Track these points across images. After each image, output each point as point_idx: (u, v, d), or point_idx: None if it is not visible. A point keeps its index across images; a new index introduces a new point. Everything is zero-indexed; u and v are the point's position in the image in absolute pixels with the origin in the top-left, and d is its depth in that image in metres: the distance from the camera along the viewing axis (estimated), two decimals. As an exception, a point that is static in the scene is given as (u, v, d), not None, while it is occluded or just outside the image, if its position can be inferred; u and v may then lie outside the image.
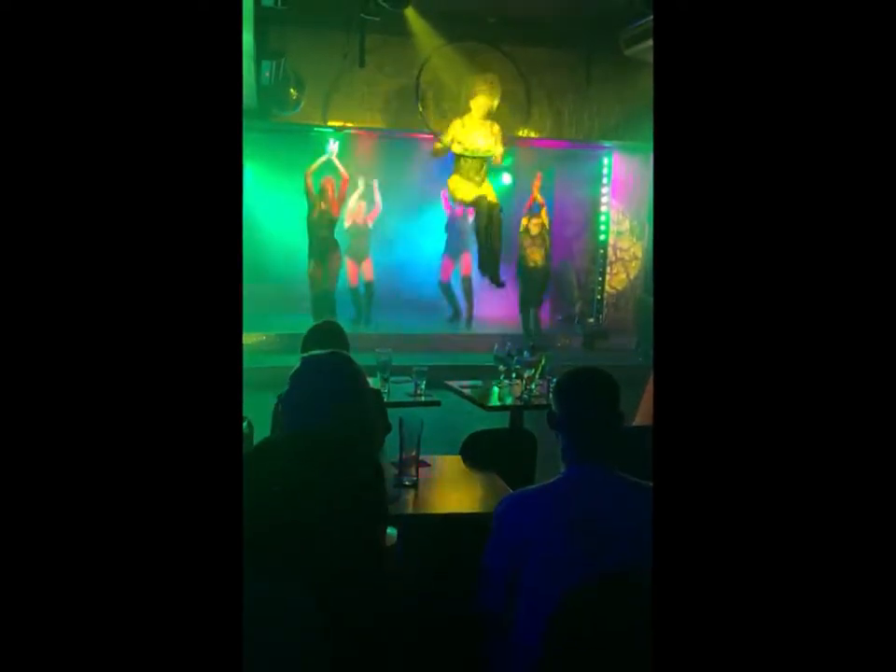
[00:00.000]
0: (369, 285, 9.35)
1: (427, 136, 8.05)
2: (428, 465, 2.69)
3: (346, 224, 8.89)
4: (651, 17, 6.43)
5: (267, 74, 6.86)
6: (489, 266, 7.32)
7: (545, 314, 9.40)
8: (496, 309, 9.67)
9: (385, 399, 3.53)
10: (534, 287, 8.69)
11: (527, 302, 8.78)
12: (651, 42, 6.94)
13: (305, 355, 1.93)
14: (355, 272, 9.20)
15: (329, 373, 1.87)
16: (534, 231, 8.58)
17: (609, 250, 9.71)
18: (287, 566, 1.57)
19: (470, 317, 9.29)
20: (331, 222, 8.26)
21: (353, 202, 8.93)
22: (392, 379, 3.93)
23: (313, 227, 8.16)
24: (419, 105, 6.68)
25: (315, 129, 8.51)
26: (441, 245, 9.27)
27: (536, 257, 8.59)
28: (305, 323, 3.48)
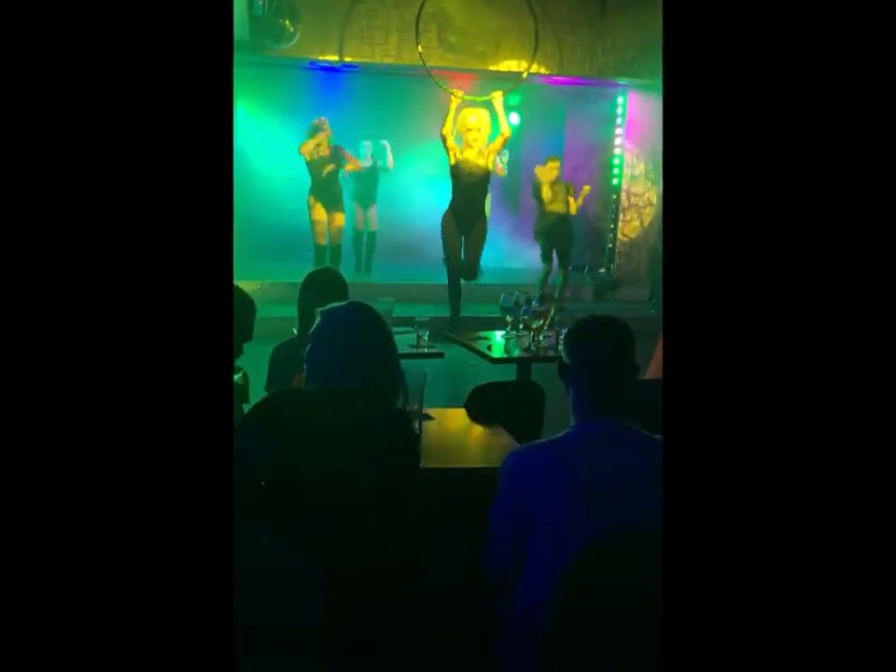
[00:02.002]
0: (372, 233, 9.27)
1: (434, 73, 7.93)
2: (432, 418, 2.70)
3: (353, 168, 8.75)
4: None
5: (260, 3, 6.72)
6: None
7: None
8: (507, 259, 9.62)
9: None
10: (556, 237, 8.44)
11: (549, 254, 8.47)
12: (670, -29, 6.75)
13: (323, 309, 1.93)
14: (361, 217, 9.12)
15: (352, 327, 1.87)
16: (551, 176, 8.30)
17: (623, 195, 9.61)
18: (312, 518, 1.60)
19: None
20: (336, 164, 8.06)
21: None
22: (394, 329, 3.92)
23: (316, 170, 7.98)
24: (418, 45, 6.54)
25: (312, 63, 8.38)
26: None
27: (556, 205, 8.31)
28: (302, 270, 3.46)
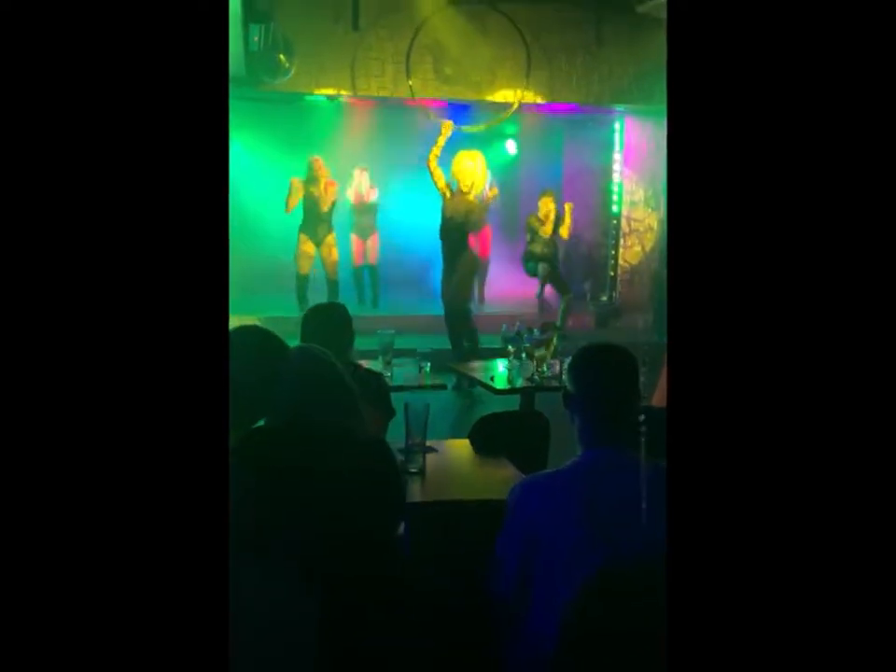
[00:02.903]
0: (373, 267, 9.28)
1: (428, 103, 8.01)
2: (436, 451, 2.70)
3: (352, 200, 8.84)
4: (665, -30, 6.33)
5: (255, 39, 6.79)
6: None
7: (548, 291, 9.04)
8: (507, 288, 9.61)
9: (389, 383, 3.52)
10: (540, 261, 8.41)
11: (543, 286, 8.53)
12: (664, -3, 6.85)
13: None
14: (360, 250, 9.15)
15: (300, 368, 1.93)
16: (541, 211, 8.30)
17: (623, 222, 9.66)
18: (292, 555, 1.60)
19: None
20: (327, 202, 8.08)
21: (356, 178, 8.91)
22: (395, 362, 3.93)
23: (311, 208, 8.03)
24: (409, 80, 6.59)
25: (307, 97, 8.48)
26: None
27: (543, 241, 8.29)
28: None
